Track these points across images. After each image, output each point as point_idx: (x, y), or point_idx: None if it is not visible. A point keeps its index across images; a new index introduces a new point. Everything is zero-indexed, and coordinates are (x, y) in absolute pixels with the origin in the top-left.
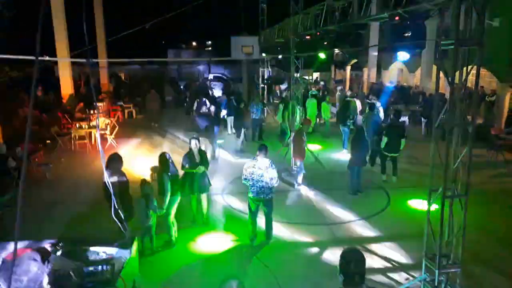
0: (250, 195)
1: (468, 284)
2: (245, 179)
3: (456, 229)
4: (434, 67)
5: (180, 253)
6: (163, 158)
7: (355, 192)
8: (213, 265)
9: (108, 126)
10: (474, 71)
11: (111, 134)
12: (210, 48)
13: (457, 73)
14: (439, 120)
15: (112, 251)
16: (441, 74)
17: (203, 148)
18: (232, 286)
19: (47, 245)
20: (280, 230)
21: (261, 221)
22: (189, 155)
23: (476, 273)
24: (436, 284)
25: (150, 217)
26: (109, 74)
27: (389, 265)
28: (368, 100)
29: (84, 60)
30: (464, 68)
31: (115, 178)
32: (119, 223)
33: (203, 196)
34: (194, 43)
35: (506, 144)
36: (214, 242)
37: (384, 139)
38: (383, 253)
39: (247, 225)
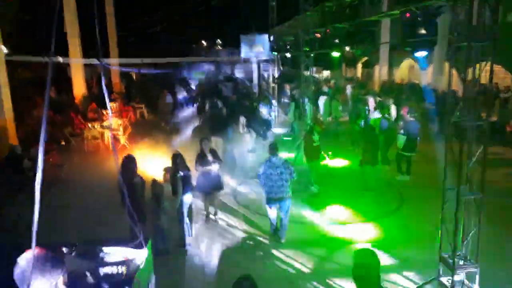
0: (268, 195)
1: (485, 283)
2: (261, 179)
3: (471, 228)
4: (446, 64)
5: (194, 252)
6: (175, 158)
7: (367, 190)
8: (226, 264)
9: (121, 127)
10: (487, 68)
11: (123, 134)
12: (220, 47)
13: (470, 70)
14: (452, 118)
15: (126, 252)
16: (454, 71)
17: (215, 147)
18: (244, 285)
19: (62, 247)
20: (292, 230)
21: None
22: (201, 155)
23: (491, 274)
24: (452, 284)
25: (161, 218)
26: (120, 74)
27: (404, 265)
28: (379, 99)
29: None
30: (477, 65)
31: (129, 180)
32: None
33: (216, 195)
34: (204, 43)
35: None
36: (227, 241)
37: (401, 139)
38: (397, 253)
39: (261, 223)
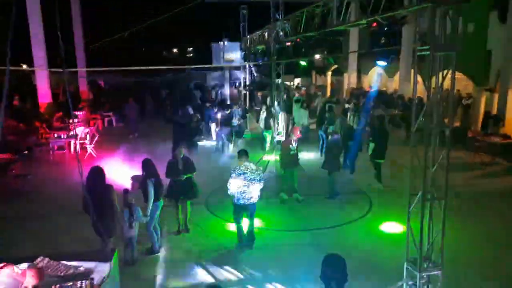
0: (238, 201)
1: (449, 286)
2: (231, 185)
3: (436, 232)
4: (412, 72)
5: (163, 261)
6: (146, 164)
7: (332, 196)
8: (197, 273)
9: (88, 135)
10: (450, 75)
11: (90, 143)
12: (191, 55)
13: (434, 78)
14: (417, 124)
15: (91, 265)
16: (419, 79)
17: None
18: None
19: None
20: (262, 236)
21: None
22: (172, 163)
23: (456, 275)
24: (417, 287)
25: (133, 227)
26: (88, 82)
27: (371, 269)
28: (347, 105)
29: (60, 70)
30: (440, 73)
31: (97, 192)
32: (99, 236)
33: (187, 203)
34: (175, 50)
35: (483, 146)
36: (197, 249)
37: (371, 145)
38: (365, 258)
39: (231, 231)
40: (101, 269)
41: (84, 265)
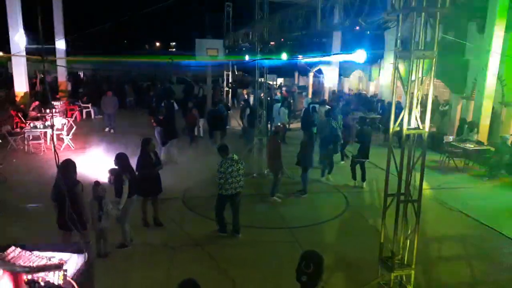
0: (226, 192)
1: (420, 283)
2: (221, 178)
3: (409, 232)
4: (392, 77)
5: (137, 255)
6: (120, 158)
7: (303, 192)
8: (169, 267)
9: (65, 126)
10: (428, 81)
11: (67, 134)
12: (174, 49)
13: (413, 83)
14: (395, 127)
15: (64, 256)
16: (398, 83)
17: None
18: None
19: None
20: (241, 233)
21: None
22: (146, 157)
23: (426, 273)
24: (391, 285)
25: (103, 220)
26: (67, 73)
27: (347, 267)
28: (328, 107)
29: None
30: (419, 78)
31: (68, 185)
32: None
33: (157, 198)
34: (157, 44)
35: (457, 152)
36: (172, 244)
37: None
38: (341, 256)
39: (208, 226)
40: (75, 261)
41: (57, 256)
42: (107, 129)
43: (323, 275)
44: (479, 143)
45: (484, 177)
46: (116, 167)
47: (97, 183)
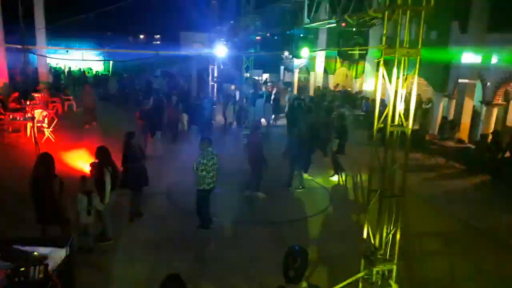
0: (209, 186)
1: (401, 278)
2: (204, 170)
3: (392, 228)
4: (376, 74)
5: (120, 249)
6: (102, 152)
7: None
8: (153, 262)
9: (46, 119)
10: (412, 80)
11: (49, 127)
12: (158, 42)
13: (397, 81)
14: (378, 124)
15: (46, 250)
16: (382, 81)
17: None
18: (173, 284)
19: None
20: (225, 228)
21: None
22: (131, 150)
23: (409, 269)
24: (373, 279)
25: (91, 215)
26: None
27: (330, 262)
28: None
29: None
30: (403, 76)
31: (47, 178)
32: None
33: (141, 191)
34: (141, 36)
35: (439, 149)
36: (155, 238)
37: (335, 142)
38: (326, 251)
39: (190, 220)
40: (56, 255)
41: (38, 250)
42: (87, 126)
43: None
44: (460, 141)
45: (464, 174)
46: (97, 160)
47: (84, 178)
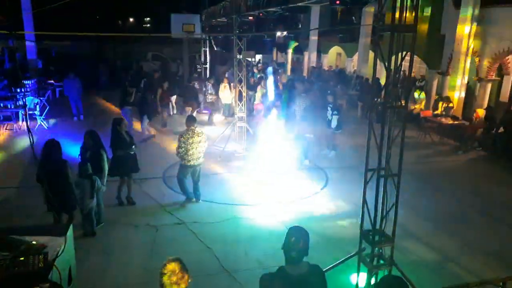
0: (189, 162)
1: (400, 257)
2: (180, 147)
3: (389, 206)
4: (370, 53)
5: (119, 235)
6: (94, 135)
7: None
8: (153, 246)
9: (37, 106)
10: (407, 57)
11: (41, 114)
12: (148, 25)
13: (393, 59)
14: (374, 103)
15: (44, 239)
16: (378, 59)
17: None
18: (174, 267)
19: None
20: (224, 210)
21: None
22: (120, 136)
23: (406, 247)
24: (371, 258)
25: (94, 198)
26: (38, 50)
27: (328, 242)
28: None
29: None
30: (399, 54)
31: (54, 166)
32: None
33: (130, 178)
34: (131, 20)
35: (433, 127)
36: (151, 222)
37: (335, 118)
38: (324, 231)
39: (189, 204)
40: (55, 244)
41: (37, 239)
42: (75, 118)
43: None
44: (454, 118)
45: (459, 151)
46: (88, 144)
47: (84, 162)
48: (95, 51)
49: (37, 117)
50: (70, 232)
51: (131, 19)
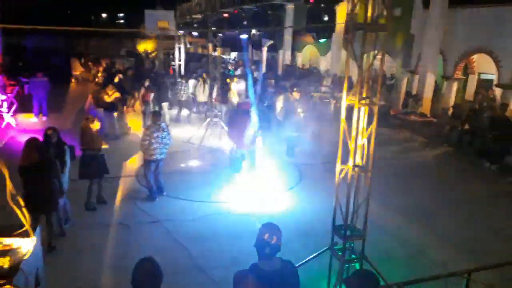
0: (155, 156)
1: (371, 250)
2: (144, 140)
3: (360, 201)
4: (343, 51)
5: (92, 235)
6: (55, 130)
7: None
8: (126, 245)
9: (5, 103)
10: (379, 56)
11: (8, 111)
12: (122, 21)
13: (365, 57)
14: (347, 100)
15: (10, 241)
16: (350, 58)
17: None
18: (146, 265)
19: None
20: (198, 208)
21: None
22: (89, 136)
23: (377, 240)
24: (343, 252)
25: (64, 196)
26: (4, 44)
27: (302, 236)
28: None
29: None
30: (371, 52)
31: (34, 165)
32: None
33: (102, 178)
34: (104, 15)
35: (403, 124)
36: (125, 221)
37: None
38: (298, 227)
39: (163, 202)
40: (21, 245)
41: (3, 241)
42: (36, 119)
43: None
44: (422, 115)
45: (427, 147)
46: (50, 141)
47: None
48: (67, 46)
49: (4, 114)
50: (37, 233)
51: (104, 15)
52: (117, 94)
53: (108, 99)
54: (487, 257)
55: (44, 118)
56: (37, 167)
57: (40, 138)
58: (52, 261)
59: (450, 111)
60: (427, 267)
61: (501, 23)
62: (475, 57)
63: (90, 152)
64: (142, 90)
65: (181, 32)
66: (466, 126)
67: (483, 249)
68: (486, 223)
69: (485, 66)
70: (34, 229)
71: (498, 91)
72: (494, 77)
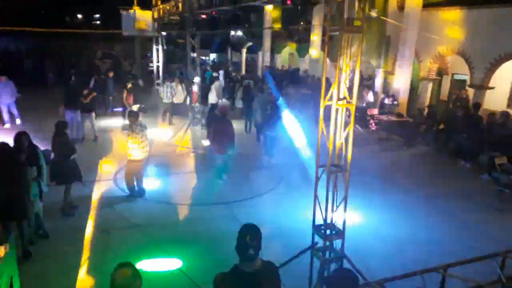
0: (135, 157)
1: (350, 249)
2: (132, 143)
3: (339, 200)
4: (321, 53)
5: (68, 241)
6: (26, 134)
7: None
8: (104, 250)
9: None
10: (356, 57)
11: None
12: (98, 22)
13: (342, 58)
14: (325, 101)
15: None
16: (328, 59)
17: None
18: (125, 270)
19: None
20: (179, 211)
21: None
22: (63, 141)
23: (356, 239)
24: (323, 252)
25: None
26: None
27: (282, 237)
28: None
29: None
30: (348, 54)
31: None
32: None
33: (71, 184)
34: (79, 16)
35: (380, 124)
36: (103, 227)
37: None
38: (280, 227)
39: (142, 206)
40: None
41: None
42: (8, 125)
43: None
44: (399, 115)
45: (404, 147)
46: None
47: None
48: (39, 47)
49: None
50: (11, 239)
51: (79, 16)
52: (94, 94)
53: (84, 101)
54: (463, 252)
55: (19, 123)
56: (5, 172)
57: (10, 143)
58: (29, 268)
59: (426, 111)
60: (405, 264)
61: (473, 25)
62: (448, 58)
63: (64, 157)
64: (125, 93)
65: (163, 33)
66: (441, 126)
67: (460, 244)
68: (462, 218)
69: (458, 67)
70: (7, 237)
71: (470, 91)
72: (467, 77)
